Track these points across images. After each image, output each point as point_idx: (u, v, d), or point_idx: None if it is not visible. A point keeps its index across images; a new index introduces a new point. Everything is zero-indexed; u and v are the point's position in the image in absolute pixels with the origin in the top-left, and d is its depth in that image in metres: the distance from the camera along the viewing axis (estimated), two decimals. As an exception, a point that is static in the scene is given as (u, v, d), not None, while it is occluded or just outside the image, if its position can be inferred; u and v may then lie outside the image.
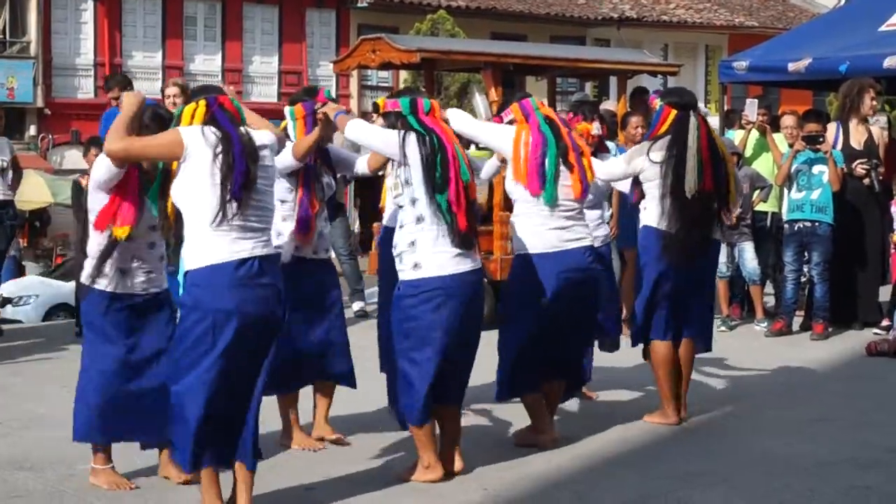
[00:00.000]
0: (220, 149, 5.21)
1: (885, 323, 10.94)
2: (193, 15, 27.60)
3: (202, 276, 5.23)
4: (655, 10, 33.27)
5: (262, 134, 5.48)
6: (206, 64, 27.64)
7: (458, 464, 6.20)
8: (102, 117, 12.14)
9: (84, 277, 5.93)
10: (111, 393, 5.92)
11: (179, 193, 5.30)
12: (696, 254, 7.21)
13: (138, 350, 5.92)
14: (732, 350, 9.65)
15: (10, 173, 10.93)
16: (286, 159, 6.36)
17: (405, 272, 5.99)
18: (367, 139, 6.16)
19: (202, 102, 5.36)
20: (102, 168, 5.73)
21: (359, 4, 28.70)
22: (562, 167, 6.61)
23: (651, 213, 7.25)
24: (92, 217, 5.84)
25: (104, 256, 5.85)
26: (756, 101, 11.89)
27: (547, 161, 6.57)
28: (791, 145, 11.09)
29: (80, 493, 6.03)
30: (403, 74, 24.67)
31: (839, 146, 11.10)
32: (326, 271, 6.80)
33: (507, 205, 10.30)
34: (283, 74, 28.04)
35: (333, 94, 6.82)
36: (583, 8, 31.85)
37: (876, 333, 10.79)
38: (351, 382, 6.82)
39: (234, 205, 5.20)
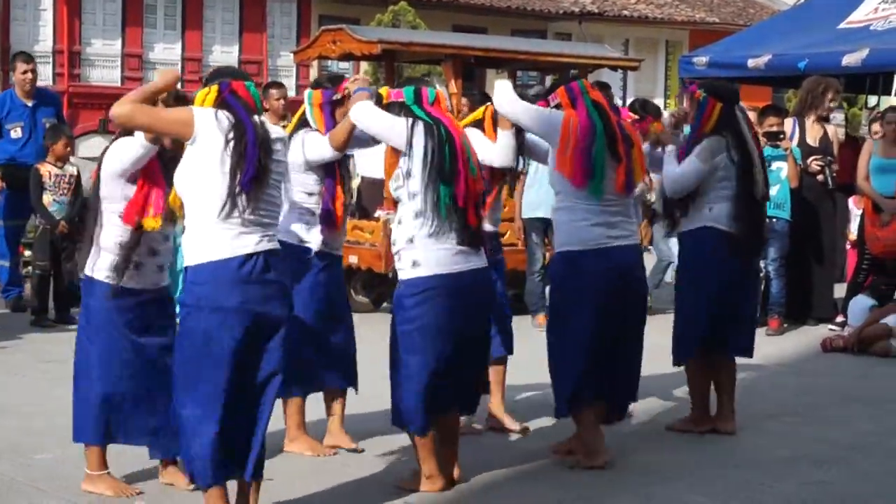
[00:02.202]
0: (232, 135, 4.90)
1: (839, 319, 11.03)
2: (153, 3, 27.41)
3: (204, 273, 4.92)
4: (617, 4, 33.34)
5: (275, 128, 5.20)
6: (166, 52, 27.48)
7: (455, 471, 5.95)
8: None
9: (93, 270, 5.59)
10: (119, 392, 5.60)
11: (184, 180, 4.97)
12: (757, 257, 7.05)
13: (147, 348, 5.60)
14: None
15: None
16: (323, 151, 6.13)
17: (404, 271, 5.64)
18: (372, 124, 5.75)
19: (213, 88, 5.02)
20: (130, 152, 5.38)
21: (320, -6, 28.64)
22: (609, 159, 6.16)
23: (717, 214, 6.89)
24: (108, 206, 5.51)
25: (130, 249, 5.48)
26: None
27: (594, 150, 6.11)
28: (749, 141, 11.11)
29: (35, 482, 5.96)
30: (364, 66, 24.56)
31: (795, 142, 11.17)
32: (340, 266, 6.60)
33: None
34: (243, 64, 27.83)
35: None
36: (544, 2, 31.87)
37: (831, 329, 10.87)
38: (356, 386, 6.59)
39: (244, 197, 4.88)
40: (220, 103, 5.01)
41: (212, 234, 4.92)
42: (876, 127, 12.09)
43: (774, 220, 10.77)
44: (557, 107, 6.32)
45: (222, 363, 4.93)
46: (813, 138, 11.27)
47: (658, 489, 6.05)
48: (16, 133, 11.18)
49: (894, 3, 13.83)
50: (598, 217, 6.21)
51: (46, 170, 10.49)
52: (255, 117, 5.04)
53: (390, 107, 5.76)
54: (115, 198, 5.51)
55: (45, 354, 9.36)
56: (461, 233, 5.58)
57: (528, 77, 25.28)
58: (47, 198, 10.48)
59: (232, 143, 4.90)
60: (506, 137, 6.48)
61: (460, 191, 5.55)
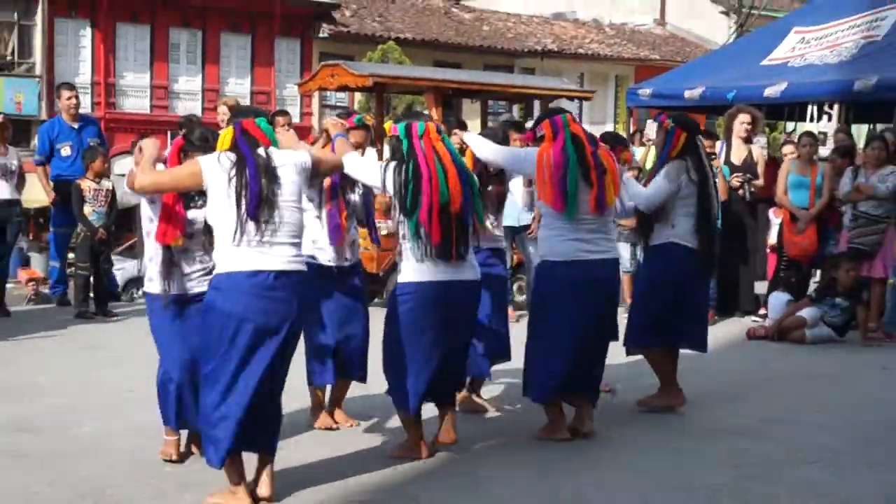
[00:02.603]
0: (233, 172, 4.95)
1: (761, 312, 11.10)
2: (177, 42, 27.35)
3: (219, 281, 5.01)
4: (573, 44, 33.39)
5: (285, 154, 5.20)
6: (188, 84, 27.42)
7: (452, 435, 6.04)
8: (39, 129, 11.94)
9: (145, 284, 5.66)
10: (173, 384, 5.57)
11: (208, 216, 5.12)
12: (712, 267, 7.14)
13: (191, 343, 5.50)
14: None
15: (16, 177, 10.85)
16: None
17: (399, 275, 5.81)
18: (358, 173, 5.85)
19: (230, 129, 5.10)
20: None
21: (320, 35, 28.58)
22: (582, 184, 6.19)
23: (680, 231, 6.93)
24: (145, 225, 5.54)
25: (163, 264, 5.48)
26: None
27: (568, 179, 6.16)
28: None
29: (76, 452, 5.96)
30: (358, 96, 24.61)
31: (723, 161, 11.21)
32: (357, 276, 6.58)
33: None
34: (254, 94, 27.83)
35: (364, 121, 6.48)
36: (511, 41, 31.91)
37: (754, 321, 10.94)
38: (365, 379, 6.58)
39: (252, 224, 4.95)
40: (233, 142, 5.07)
41: (230, 254, 4.99)
42: (787, 149, 12.14)
43: (707, 227, 10.80)
44: (542, 138, 6.33)
45: (229, 362, 4.96)
46: (738, 158, 11.29)
47: (605, 454, 6.10)
48: (66, 151, 11.18)
49: (808, 44, 13.92)
50: (573, 234, 6.25)
51: (86, 185, 10.49)
52: (260, 150, 5.07)
53: (390, 139, 5.84)
54: (145, 216, 5.55)
55: (86, 342, 9.37)
56: (431, 249, 5.64)
57: (498, 105, 25.36)
58: (87, 209, 10.48)
59: (234, 179, 4.96)
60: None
61: (423, 218, 5.61)
